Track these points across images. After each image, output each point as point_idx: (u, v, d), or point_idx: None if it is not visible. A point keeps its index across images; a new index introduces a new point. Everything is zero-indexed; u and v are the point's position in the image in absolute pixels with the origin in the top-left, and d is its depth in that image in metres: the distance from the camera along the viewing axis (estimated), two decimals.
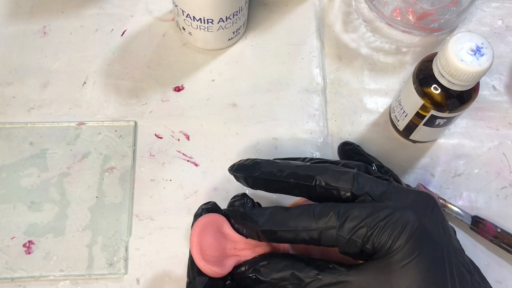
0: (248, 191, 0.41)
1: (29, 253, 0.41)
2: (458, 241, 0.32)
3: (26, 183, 0.43)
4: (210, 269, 0.31)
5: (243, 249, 0.33)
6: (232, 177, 0.44)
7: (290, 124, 0.46)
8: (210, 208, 0.34)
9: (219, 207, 0.35)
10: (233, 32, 0.48)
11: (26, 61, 0.48)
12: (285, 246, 0.34)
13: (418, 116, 0.41)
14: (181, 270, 0.41)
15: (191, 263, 0.33)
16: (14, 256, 0.40)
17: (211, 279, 0.32)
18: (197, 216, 0.34)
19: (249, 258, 0.33)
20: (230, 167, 0.36)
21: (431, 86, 0.39)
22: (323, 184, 0.32)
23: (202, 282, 0.32)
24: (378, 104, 0.48)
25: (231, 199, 0.36)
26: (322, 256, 0.32)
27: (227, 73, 0.49)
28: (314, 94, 0.48)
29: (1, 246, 0.41)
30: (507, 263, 0.42)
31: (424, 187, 0.44)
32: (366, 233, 0.29)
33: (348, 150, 0.41)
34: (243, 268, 0.32)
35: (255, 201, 0.36)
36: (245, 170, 0.35)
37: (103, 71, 0.48)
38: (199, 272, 0.32)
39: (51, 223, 0.42)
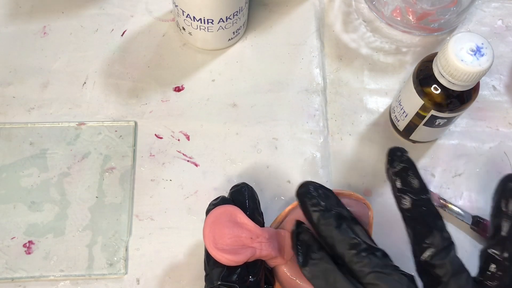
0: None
1: (29, 253, 0.41)
2: None
3: (26, 183, 0.43)
4: (224, 256, 0.31)
5: (260, 241, 0.33)
6: (232, 177, 0.44)
7: (290, 124, 0.46)
8: (219, 202, 0.34)
9: (228, 199, 0.35)
10: (233, 32, 0.48)
11: (26, 61, 0.48)
12: None
13: (418, 116, 0.41)
14: (181, 270, 0.41)
15: (207, 256, 0.32)
16: (14, 256, 0.40)
17: (228, 268, 0.32)
18: (208, 212, 0.34)
19: (264, 251, 0.32)
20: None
21: (431, 86, 0.39)
22: None
23: (218, 273, 0.31)
24: (378, 104, 0.48)
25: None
26: None
27: (227, 73, 0.49)
28: (314, 94, 0.48)
29: (1, 246, 0.41)
30: None
31: None
32: None
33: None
34: None
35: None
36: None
37: (103, 71, 0.48)
38: (216, 264, 0.32)
39: (51, 223, 0.42)
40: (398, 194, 0.31)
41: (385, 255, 0.29)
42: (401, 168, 0.31)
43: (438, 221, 0.30)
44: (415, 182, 0.30)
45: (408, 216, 0.30)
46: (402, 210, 0.30)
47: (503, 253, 0.31)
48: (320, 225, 0.30)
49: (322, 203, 0.31)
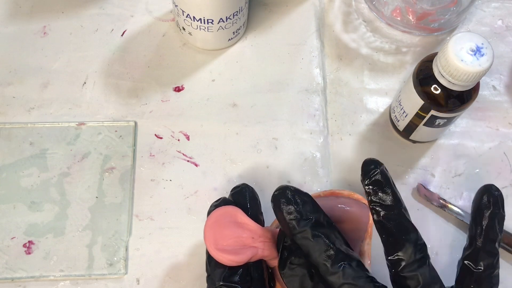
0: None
1: (29, 253, 0.41)
2: None
3: (26, 183, 0.43)
4: (225, 257, 0.31)
5: (261, 241, 0.33)
6: (232, 177, 0.44)
7: (290, 124, 0.46)
8: (220, 203, 0.34)
9: (229, 200, 0.35)
10: (233, 32, 0.48)
11: (26, 61, 0.48)
12: None
13: (418, 116, 0.41)
14: (181, 270, 0.41)
15: (209, 257, 0.32)
16: (14, 256, 0.40)
17: (230, 269, 0.32)
18: (209, 213, 0.34)
19: (266, 251, 0.32)
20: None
21: (431, 86, 0.39)
22: None
23: (220, 273, 0.31)
24: (378, 104, 0.48)
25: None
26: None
27: (227, 73, 0.49)
28: (314, 94, 0.48)
29: (1, 246, 0.41)
30: (507, 263, 0.42)
31: (424, 187, 0.44)
32: None
33: (485, 204, 0.33)
34: None
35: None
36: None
37: (103, 71, 0.48)
38: (217, 265, 0.32)
39: (51, 223, 0.42)
40: (371, 206, 0.30)
41: (359, 265, 0.29)
42: (373, 181, 0.30)
43: (411, 233, 0.30)
44: (386, 197, 0.30)
45: (380, 228, 0.30)
46: (375, 221, 0.30)
47: (477, 265, 0.31)
48: (295, 234, 0.30)
49: (298, 210, 0.30)
